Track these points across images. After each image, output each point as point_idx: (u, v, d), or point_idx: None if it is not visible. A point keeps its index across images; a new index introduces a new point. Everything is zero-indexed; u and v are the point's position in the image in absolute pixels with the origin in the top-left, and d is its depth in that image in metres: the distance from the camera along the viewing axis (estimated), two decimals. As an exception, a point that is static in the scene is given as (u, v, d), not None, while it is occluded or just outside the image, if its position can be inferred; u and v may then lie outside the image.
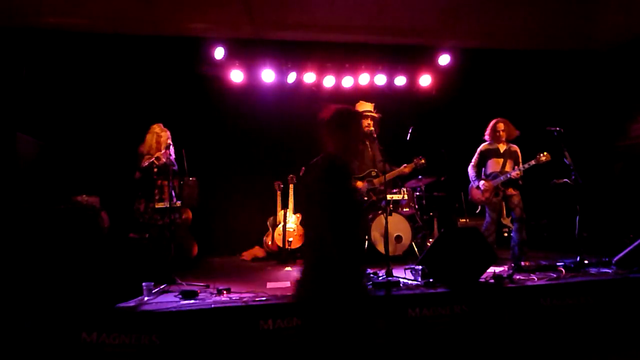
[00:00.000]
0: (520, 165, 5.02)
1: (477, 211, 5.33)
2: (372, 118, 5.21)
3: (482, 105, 6.46)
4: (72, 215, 3.76)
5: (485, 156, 5.25)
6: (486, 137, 5.32)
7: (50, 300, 3.31)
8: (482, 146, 5.33)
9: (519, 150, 5.23)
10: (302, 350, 3.01)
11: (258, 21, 5.95)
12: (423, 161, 4.80)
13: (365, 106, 4.85)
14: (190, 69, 6.30)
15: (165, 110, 5.79)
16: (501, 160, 5.12)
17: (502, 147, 5.19)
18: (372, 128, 4.78)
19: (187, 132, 5.65)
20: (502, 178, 5.01)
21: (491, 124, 5.27)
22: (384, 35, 6.54)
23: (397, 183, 5.93)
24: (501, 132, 5.17)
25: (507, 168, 5.07)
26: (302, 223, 2.73)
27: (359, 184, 4.70)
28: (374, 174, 4.77)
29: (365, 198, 4.72)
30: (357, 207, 2.40)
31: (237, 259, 6.27)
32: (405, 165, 4.75)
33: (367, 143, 4.84)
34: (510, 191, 5.02)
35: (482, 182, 5.15)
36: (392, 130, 5.61)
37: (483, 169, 5.28)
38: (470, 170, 5.35)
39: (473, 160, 5.36)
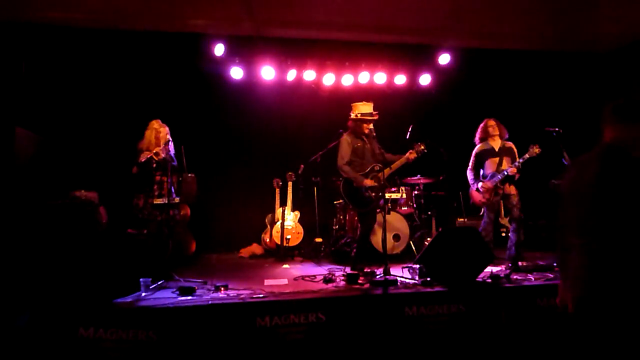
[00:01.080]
0: (517, 162, 5.02)
1: (481, 213, 5.33)
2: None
3: (482, 105, 6.46)
4: (70, 210, 3.76)
5: (481, 157, 5.27)
6: (477, 139, 5.36)
7: (48, 295, 3.31)
8: (476, 148, 5.35)
9: (514, 147, 5.24)
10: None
11: (258, 18, 5.94)
12: (422, 147, 4.77)
13: (366, 107, 4.80)
14: (190, 65, 6.28)
15: (165, 107, 5.78)
16: (497, 159, 5.14)
17: (497, 146, 5.21)
18: (371, 127, 4.79)
19: (186, 129, 5.63)
20: (499, 176, 5.01)
21: (482, 124, 5.34)
22: (385, 33, 6.53)
23: (396, 182, 5.93)
24: (494, 127, 5.21)
25: (504, 165, 5.07)
26: (564, 221, 2.34)
27: (366, 182, 4.69)
28: (377, 168, 4.75)
29: (373, 194, 4.71)
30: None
31: (235, 256, 6.27)
32: (410, 151, 4.74)
33: (366, 140, 4.84)
34: (509, 190, 5.02)
35: (480, 183, 5.17)
36: (391, 129, 5.61)
37: (481, 170, 5.29)
38: (469, 173, 5.38)
39: (470, 163, 5.39)
